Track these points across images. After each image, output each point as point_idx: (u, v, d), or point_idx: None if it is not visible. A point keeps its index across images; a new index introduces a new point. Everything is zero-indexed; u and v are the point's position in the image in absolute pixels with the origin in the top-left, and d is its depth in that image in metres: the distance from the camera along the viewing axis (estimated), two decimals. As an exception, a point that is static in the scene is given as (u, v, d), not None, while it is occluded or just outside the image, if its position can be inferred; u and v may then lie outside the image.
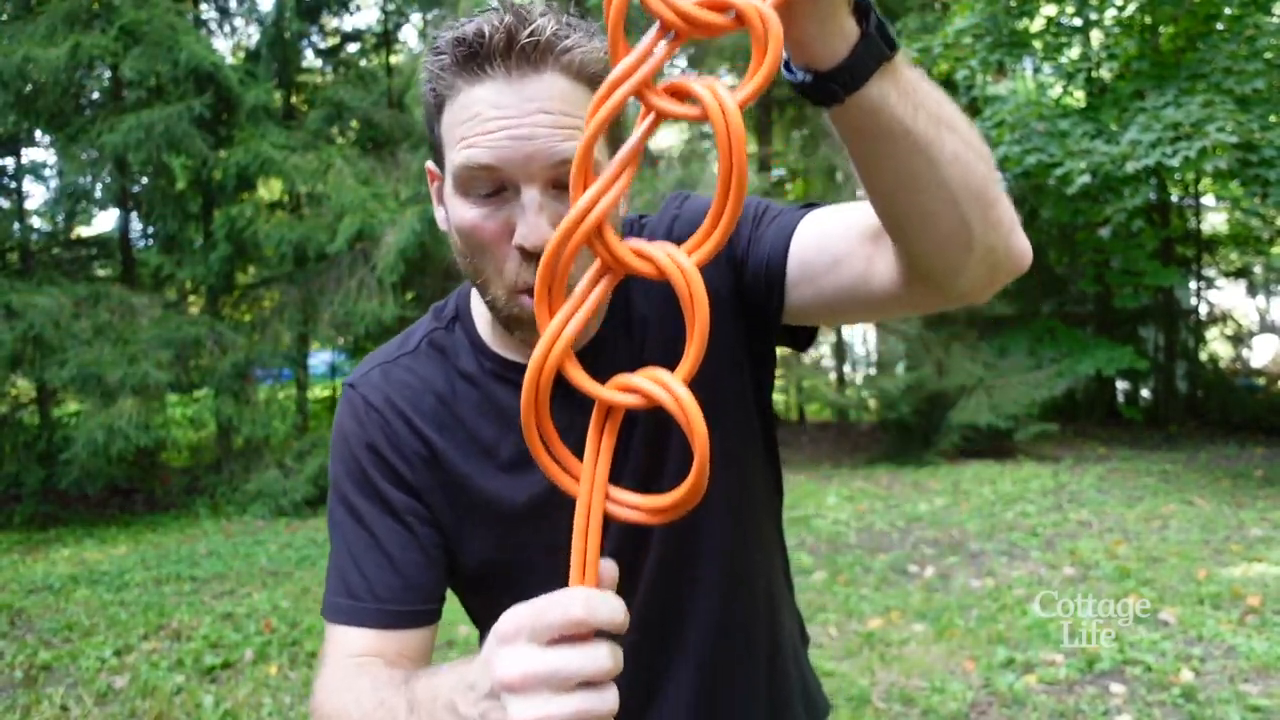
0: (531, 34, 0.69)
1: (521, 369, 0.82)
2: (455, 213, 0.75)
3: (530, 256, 0.72)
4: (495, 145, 0.70)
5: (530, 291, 0.73)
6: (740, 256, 0.85)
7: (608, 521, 0.56)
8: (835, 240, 0.79)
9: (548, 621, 0.52)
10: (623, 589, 0.58)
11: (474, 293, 0.87)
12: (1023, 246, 0.71)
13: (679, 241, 0.56)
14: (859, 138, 0.62)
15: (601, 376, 0.56)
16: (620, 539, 0.84)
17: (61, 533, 6.37)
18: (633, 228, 0.89)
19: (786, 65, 0.61)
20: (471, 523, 0.85)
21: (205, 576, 5.06)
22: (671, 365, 0.57)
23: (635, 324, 0.85)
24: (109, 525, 6.61)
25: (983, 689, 3.26)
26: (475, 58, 0.70)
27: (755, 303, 0.85)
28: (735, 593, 0.91)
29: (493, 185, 0.72)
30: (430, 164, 0.81)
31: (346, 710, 0.71)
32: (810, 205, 0.85)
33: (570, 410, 0.70)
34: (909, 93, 0.59)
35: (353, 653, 0.79)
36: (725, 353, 0.84)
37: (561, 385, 0.62)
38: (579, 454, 0.57)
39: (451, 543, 0.85)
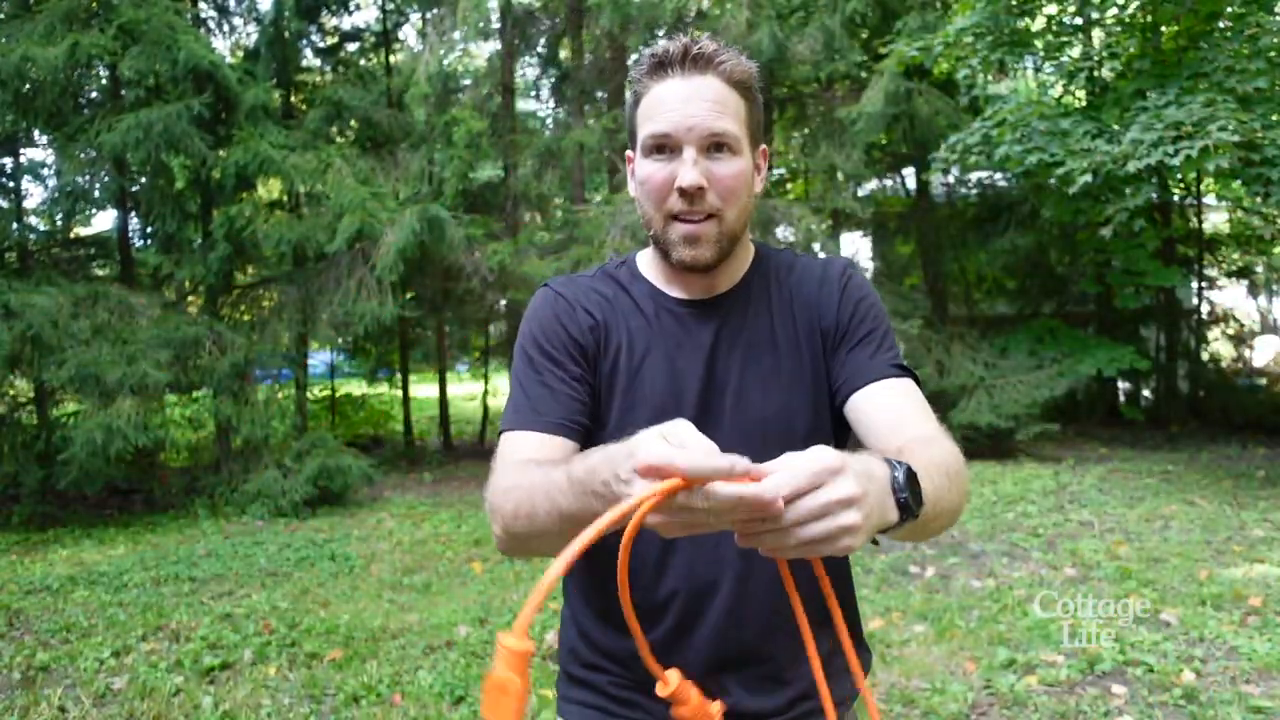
0: (699, 49, 1.03)
1: (666, 297, 1.15)
2: (640, 170, 1.07)
3: (684, 194, 1.03)
4: (669, 119, 1.03)
5: (679, 217, 1.05)
6: (838, 338, 1.15)
7: None
8: (879, 432, 1.08)
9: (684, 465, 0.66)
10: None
11: (641, 254, 1.20)
12: None
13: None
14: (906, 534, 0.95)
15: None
16: None
17: (60, 533, 6.35)
18: (780, 258, 1.20)
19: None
20: (614, 385, 1.13)
21: (204, 577, 5.05)
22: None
23: (782, 285, 1.16)
24: (107, 526, 6.60)
25: (983, 690, 3.25)
26: (661, 65, 1.04)
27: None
28: None
29: (666, 147, 1.04)
30: (629, 151, 1.12)
31: (519, 487, 0.93)
32: (898, 364, 1.13)
33: None
34: (929, 514, 0.85)
35: (518, 455, 1.04)
36: (814, 361, 1.14)
37: None
38: None
39: (600, 394, 1.13)
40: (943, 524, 0.93)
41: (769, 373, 1.11)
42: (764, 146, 1.13)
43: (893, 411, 1.07)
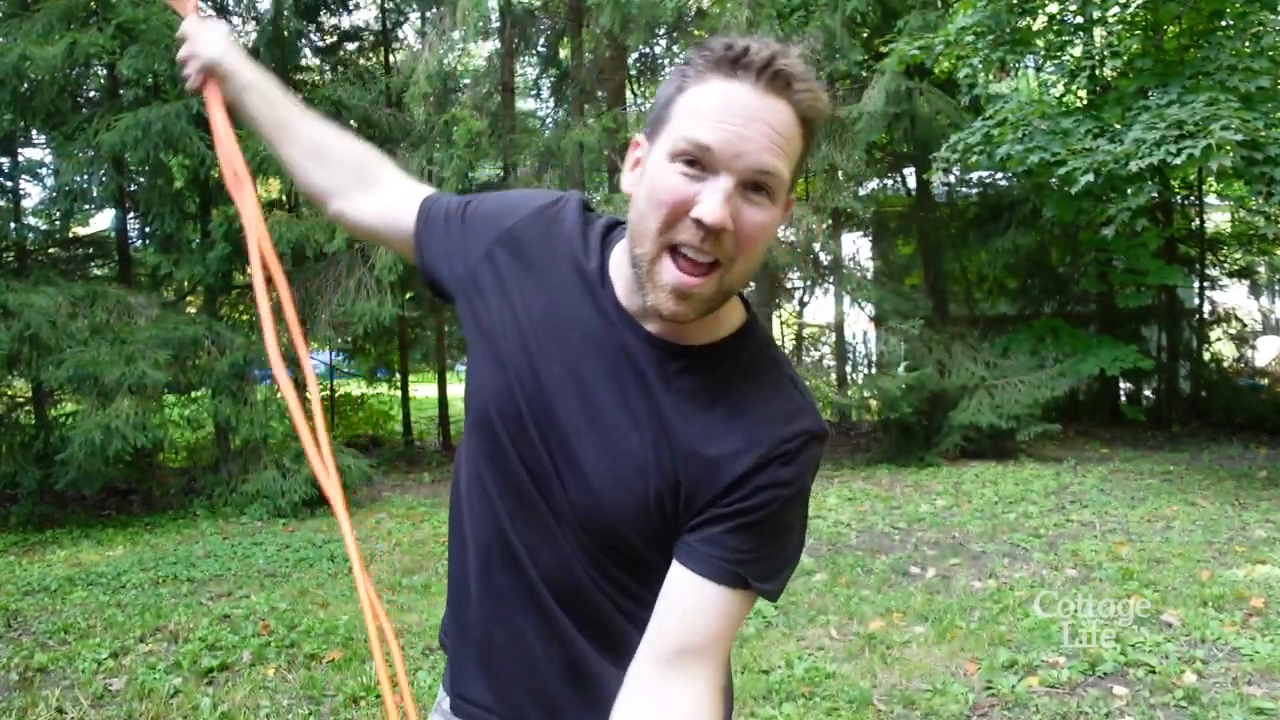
0: (786, 66, 0.83)
1: (628, 317, 0.94)
2: (656, 170, 0.86)
3: (701, 227, 0.83)
4: (721, 132, 0.82)
5: (680, 251, 0.85)
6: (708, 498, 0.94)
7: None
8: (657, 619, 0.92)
9: None
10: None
11: (619, 247, 0.98)
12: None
13: None
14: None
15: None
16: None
17: (58, 534, 6.34)
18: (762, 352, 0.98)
19: None
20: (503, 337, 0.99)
21: (203, 578, 5.03)
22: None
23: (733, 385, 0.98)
24: (106, 526, 6.58)
25: (984, 691, 3.23)
26: (737, 63, 0.83)
27: None
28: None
29: (699, 162, 0.83)
30: (639, 136, 0.94)
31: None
32: (741, 571, 0.90)
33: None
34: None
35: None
36: None
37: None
38: None
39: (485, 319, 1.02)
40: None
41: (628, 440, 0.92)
42: (792, 197, 0.93)
43: (680, 612, 0.88)
